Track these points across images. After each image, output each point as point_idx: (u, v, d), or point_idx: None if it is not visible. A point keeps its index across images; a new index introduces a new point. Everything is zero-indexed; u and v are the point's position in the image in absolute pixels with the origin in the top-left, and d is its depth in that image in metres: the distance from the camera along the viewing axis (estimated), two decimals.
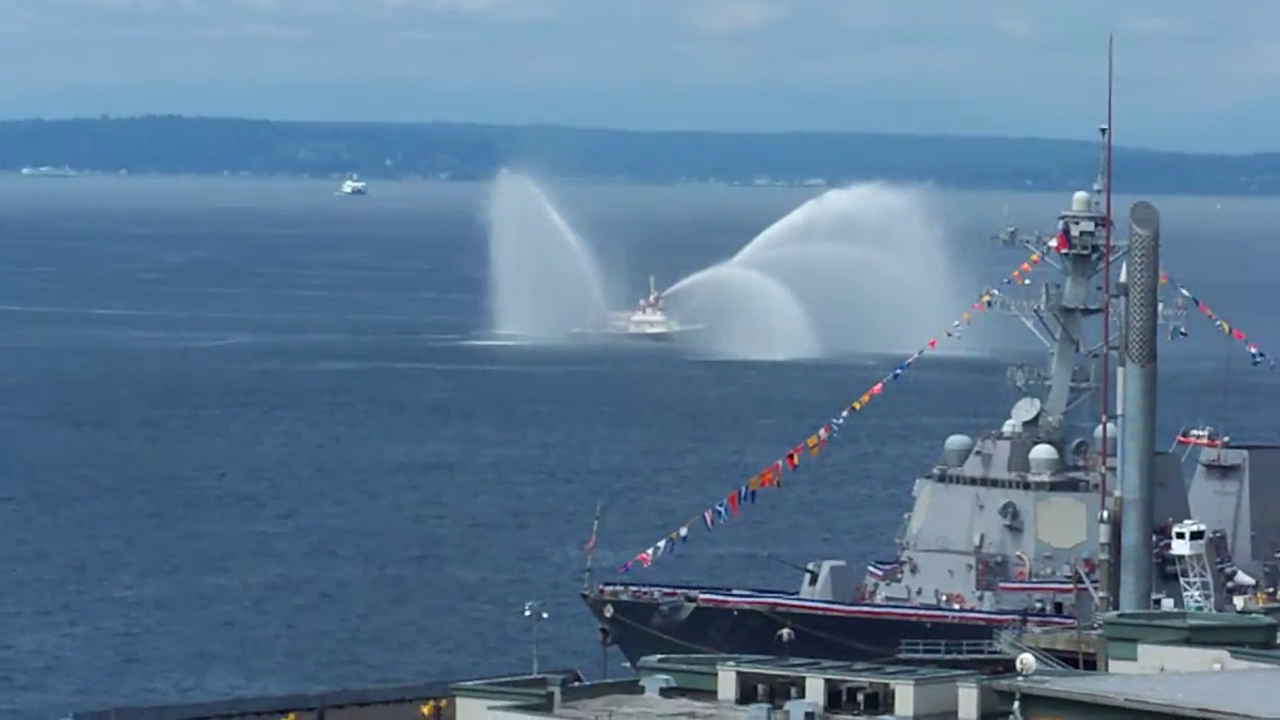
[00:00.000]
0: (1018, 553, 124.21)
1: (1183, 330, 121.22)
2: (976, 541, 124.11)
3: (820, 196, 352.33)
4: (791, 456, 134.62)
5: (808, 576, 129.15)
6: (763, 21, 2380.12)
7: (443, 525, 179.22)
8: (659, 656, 75.37)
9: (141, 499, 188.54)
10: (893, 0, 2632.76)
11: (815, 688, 60.96)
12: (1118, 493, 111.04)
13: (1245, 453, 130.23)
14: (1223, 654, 59.62)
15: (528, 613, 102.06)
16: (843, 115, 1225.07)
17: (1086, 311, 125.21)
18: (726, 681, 63.05)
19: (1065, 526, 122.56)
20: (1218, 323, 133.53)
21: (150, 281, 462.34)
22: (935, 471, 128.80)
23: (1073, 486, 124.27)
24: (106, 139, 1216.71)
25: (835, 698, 61.37)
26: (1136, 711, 39.20)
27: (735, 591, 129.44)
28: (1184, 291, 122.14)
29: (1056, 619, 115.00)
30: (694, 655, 75.32)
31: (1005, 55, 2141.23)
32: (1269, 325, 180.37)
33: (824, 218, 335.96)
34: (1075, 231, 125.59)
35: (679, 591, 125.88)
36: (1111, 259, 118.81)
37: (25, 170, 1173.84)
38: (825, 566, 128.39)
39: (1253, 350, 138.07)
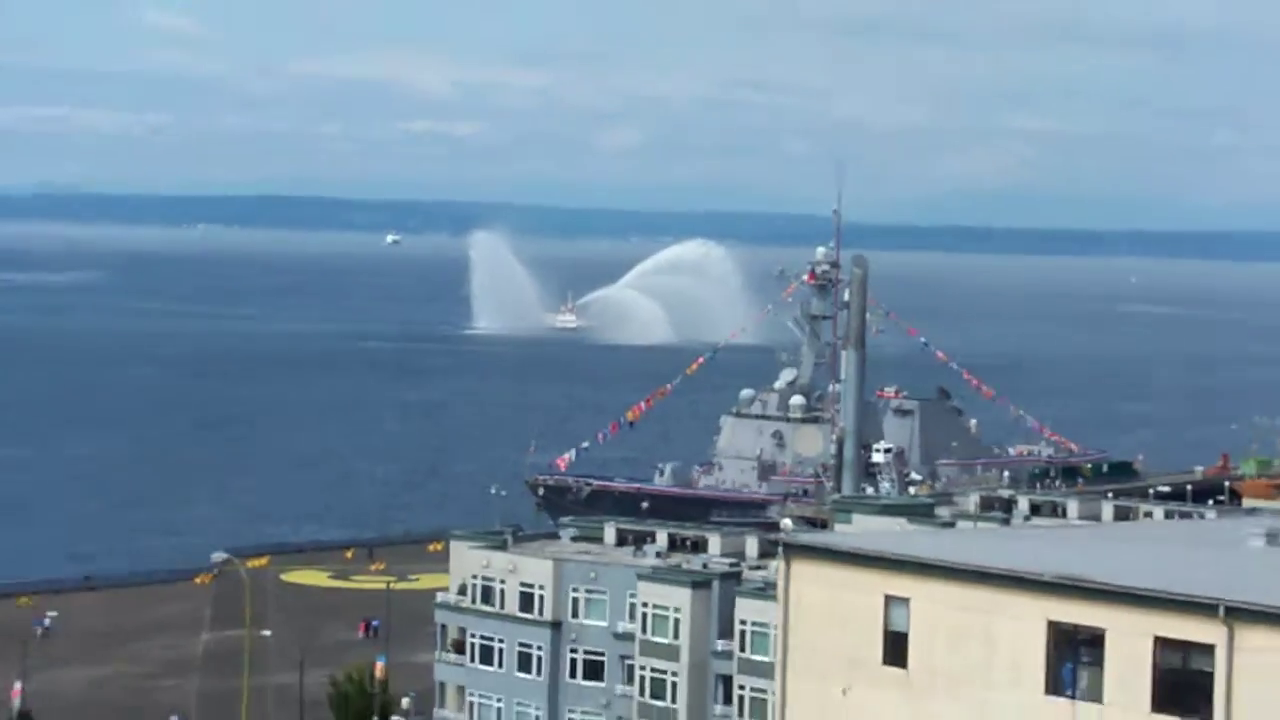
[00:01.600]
0: (783, 460, 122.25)
1: (881, 329, 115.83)
2: (759, 452, 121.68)
3: (665, 249, 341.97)
4: (650, 399, 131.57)
5: (658, 471, 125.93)
6: (641, 142, 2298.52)
7: (444, 439, 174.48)
8: (571, 518, 71.99)
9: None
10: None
11: (662, 537, 58.78)
12: (841, 425, 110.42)
13: (916, 402, 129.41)
14: (902, 520, 57.33)
15: (493, 491, 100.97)
16: (687, 199, 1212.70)
17: (825, 318, 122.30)
18: (609, 533, 60.80)
19: (811, 444, 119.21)
20: (905, 326, 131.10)
21: (258, 294, 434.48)
22: (734, 411, 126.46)
23: (815, 420, 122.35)
24: (236, 208, 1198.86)
25: (673, 543, 58.85)
26: (854, 554, 31.90)
27: (616, 480, 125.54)
28: (883, 308, 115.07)
29: (806, 499, 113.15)
30: (592, 518, 71.09)
31: (791, 164, 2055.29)
32: (940, 333, 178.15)
33: (669, 260, 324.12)
34: (818, 270, 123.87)
35: (582, 480, 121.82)
36: (841, 286, 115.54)
37: (200, 226, 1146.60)
38: (668, 466, 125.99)
39: (922, 340, 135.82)
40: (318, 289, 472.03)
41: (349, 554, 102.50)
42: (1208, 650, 25.12)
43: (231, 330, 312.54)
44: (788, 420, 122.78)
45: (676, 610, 52.55)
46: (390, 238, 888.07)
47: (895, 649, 30.29)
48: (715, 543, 57.62)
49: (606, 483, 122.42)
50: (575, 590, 55.58)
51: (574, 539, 62.42)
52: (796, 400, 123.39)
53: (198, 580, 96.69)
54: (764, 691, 48.51)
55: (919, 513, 61.42)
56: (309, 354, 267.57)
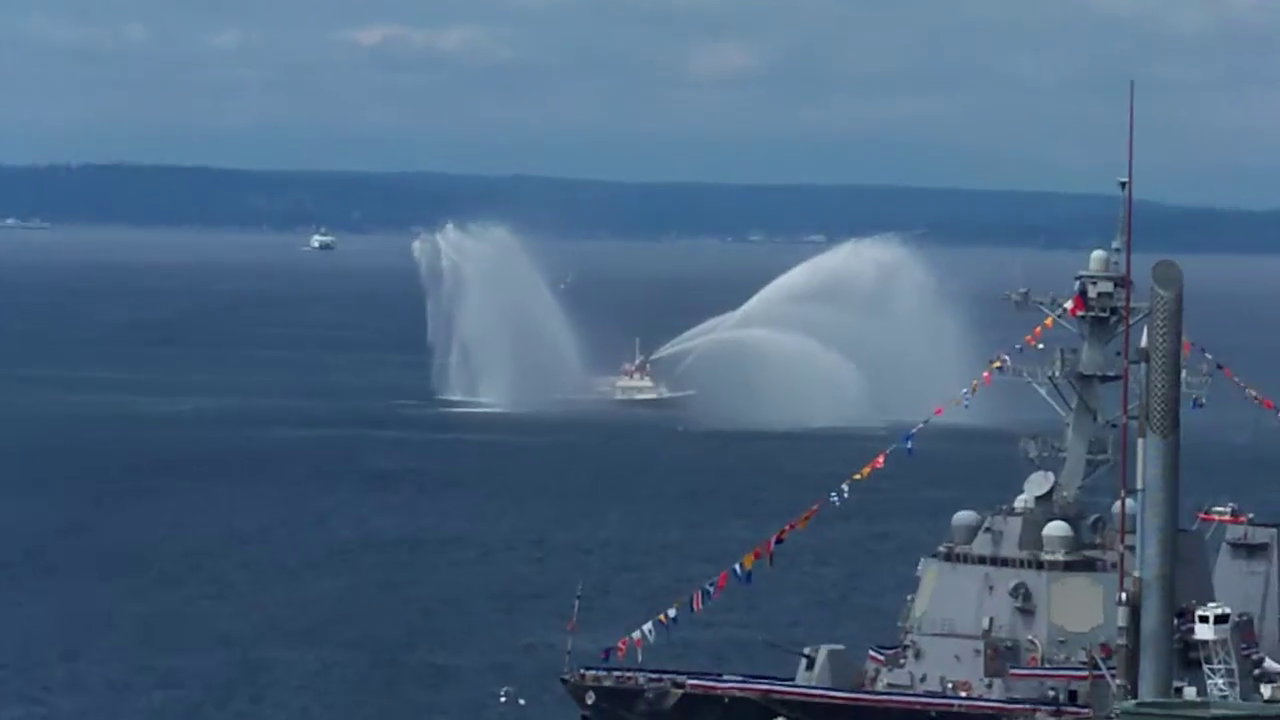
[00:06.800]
0: (1029, 637, 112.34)
1: (1202, 401, 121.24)
2: (985, 625, 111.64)
3: (821, 253, 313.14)
4: (781, 533, 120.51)
5: (804, 661, 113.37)
6: (756, 67, 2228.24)
7: (418, 606, 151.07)
8: None
9: (89, 575, 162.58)
10: (894, 44, 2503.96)
11: None
12: (1136, 573, 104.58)
13: (1274, 530, 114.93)
14: None
15: (503, 699, 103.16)
16: (841, 167, 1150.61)
17: (1104, 379, 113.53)
18: None
19: (1080, 609, 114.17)
20: (1246, 390, 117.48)
21: (99, 341, 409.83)
22: (941, 549, 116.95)
23: (1089, 566, 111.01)
24: (60, 188, 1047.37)
25: None
26: None
27: (726, 677, 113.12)
28: (1209, 357, 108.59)
29: (1071, 708, 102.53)
30: None
31: (1015, 102, 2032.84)
32: None
33: (825, 274, 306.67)
34: (1092, 293, 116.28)
35: (665, 677, 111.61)
36: (1132, 322, 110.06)
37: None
38: (823, 651, 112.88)
39: None
40: (194, 331, 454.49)
41: None
42: None
43: (49, 409, 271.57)
44: (1040, 567, 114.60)
45: None
46: (317, 239, 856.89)
47: None
48: None
49: (710, 683, 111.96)
50: None
51: None
52: (1055, 530, 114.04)
53: None
54: None
55: None
56: (182, 452, 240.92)
